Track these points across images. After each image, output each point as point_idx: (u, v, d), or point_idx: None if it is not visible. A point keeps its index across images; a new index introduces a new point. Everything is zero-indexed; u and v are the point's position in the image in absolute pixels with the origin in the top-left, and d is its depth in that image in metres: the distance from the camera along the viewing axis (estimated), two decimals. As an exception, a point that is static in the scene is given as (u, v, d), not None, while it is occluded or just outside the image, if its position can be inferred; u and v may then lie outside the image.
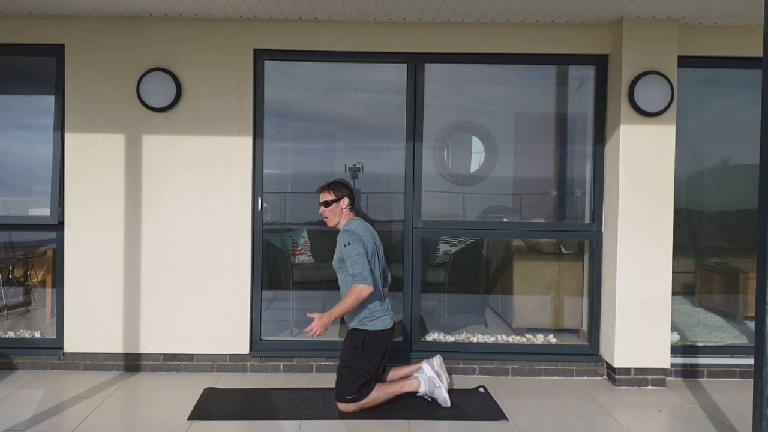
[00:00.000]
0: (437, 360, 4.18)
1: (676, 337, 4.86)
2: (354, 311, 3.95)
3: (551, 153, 5.32)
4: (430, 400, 4.08)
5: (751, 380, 2.96)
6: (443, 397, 4.02)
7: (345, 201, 4.09)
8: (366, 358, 3.92)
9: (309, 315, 3.89)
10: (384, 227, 5.33)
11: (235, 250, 4.66)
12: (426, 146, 4.80)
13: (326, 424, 3.76)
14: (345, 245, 3.91)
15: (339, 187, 4.10)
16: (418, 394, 4.07)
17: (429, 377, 4.06)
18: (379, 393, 3.93)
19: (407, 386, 4.05)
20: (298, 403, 4.03)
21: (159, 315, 4.65)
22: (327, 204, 4.09)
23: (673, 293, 4.58)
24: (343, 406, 3.88)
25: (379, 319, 3.97)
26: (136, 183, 4.63)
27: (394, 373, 4.18)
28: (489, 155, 5.32)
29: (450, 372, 4.62)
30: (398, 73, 4.78)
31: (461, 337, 4.97)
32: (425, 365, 4.12)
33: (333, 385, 4.37)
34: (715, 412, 4.03)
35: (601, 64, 4.74)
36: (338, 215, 4.10)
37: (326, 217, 4.12)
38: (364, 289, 3.81)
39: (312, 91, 5.24)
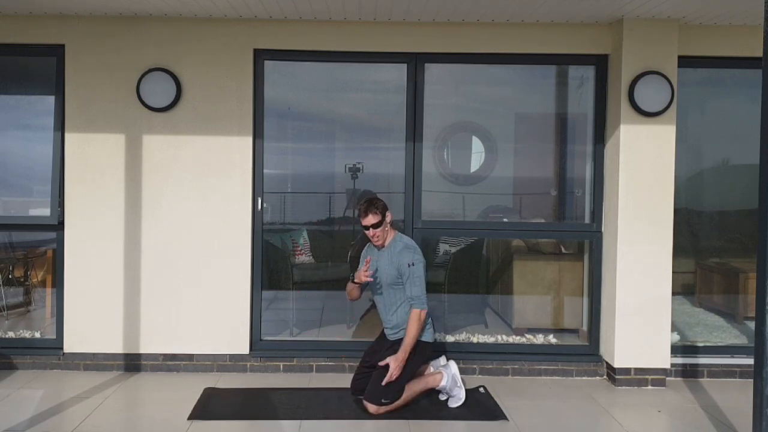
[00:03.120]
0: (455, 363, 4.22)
1: (676, 337, 4.86)
2: (394, 322, 4.03)
3: (551, 153, 5.32)
4: (444, 396, 4.09)
5: (751, 380, 2.95)
6: (460, 397, 4.04)
7: (389, 216, 4.03)
8: (413, 366, 3.97)
9: (381, 363, 3.86)
10: (384, 227, 5.33)
11: (235, 250, 4.66)
12: (426, 146, 4.79)
13: (326, 424, 3.76)
14: (410, 265, 3.88)
15: (379, 205, 4.00)
16: (438, 387, 4.06)
17: (453, 374, 4.08)
18: (407, 393, 3.95)
19: (432, 382, 4.06)
20: (298, 403, 4.03)
21: (159, 315, 4.65)
22: (377, 226, 3.96)
23: (673, 293, 4.58)
24: (374, 408, 3.85)
25: (428, 330, 4.06)
26: (136, 183, 4.63)
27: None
28: (489, 155, 5.32)
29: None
30: (398, 73, 4.78)
31: (461, 337, 4.96)
32: (451, 363, 4.17)
33: (333, 384, 4.39)
34: (715, 412, 4.03)
35: (601, 64, 4.74)
36: (388, 234, 4.06)
37: (377, 238, 4.01)
38: (423, 313, 3.87)
39: (312, 91, 5.24)
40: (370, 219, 3.95)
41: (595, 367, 4.74)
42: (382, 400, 3.84)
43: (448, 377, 4.06)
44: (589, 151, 4.86)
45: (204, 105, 4.62)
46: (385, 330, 4.15)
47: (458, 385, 4.08)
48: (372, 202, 3.99)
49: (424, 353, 4.06)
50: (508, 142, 5.39)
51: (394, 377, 3.81)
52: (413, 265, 3.88)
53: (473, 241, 5.41)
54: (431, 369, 4.22)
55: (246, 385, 4.40)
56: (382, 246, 4.05)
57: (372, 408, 3.85)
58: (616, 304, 4.51)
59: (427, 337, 4.06)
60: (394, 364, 3.80)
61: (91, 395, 4.15)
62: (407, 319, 3.94)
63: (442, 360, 4.29)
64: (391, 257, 3.98)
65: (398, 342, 3.97)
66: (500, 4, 4.17)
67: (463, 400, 4.04)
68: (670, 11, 4.26)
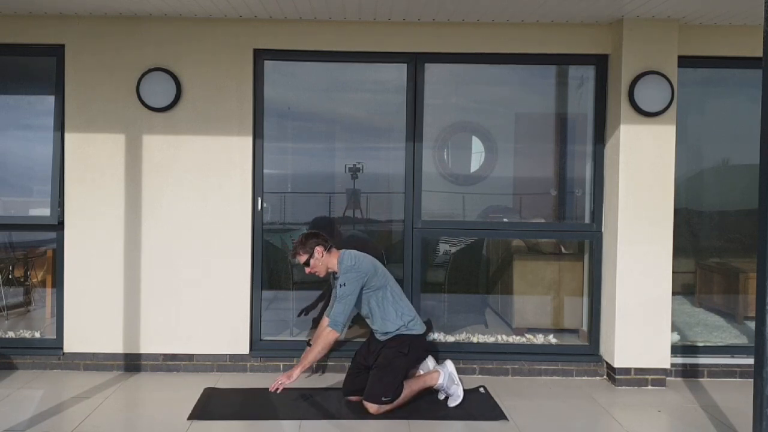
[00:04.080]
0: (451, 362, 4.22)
1: (676, 337, 4.86)
2: (381, 327, 4.03)
3: (551, 153, 5.32)
4: (443, 395, 4.09)
5: (751, 380, 2.95)
6: (458, 395, 4.04)
7: (318, 250, 4.01)
8: (408, 361, 4.00)
9: (272, 389, 3.80)
10: (384, 227, 5.33)
11: (235, 250, 4.66)
12: (426, 146, 4.79)
13: (326, 424, 3.76)
14: (341, 285, 3.90)
15: (304, 242, 4.02)
16: (434, 387, 4.07)
17: (449, 373, 4.09)
18: (406, 392, 3.96)
19: (429, 380, 4.07)
20: (298, 403, 4.03)
21: (159, 315, 4.65)
22: (307, 264, 4.02)
23: (673, 293, 4.58)
24: (374, 408, 3.84)
25: (415, 322, 4.07)
26: (136, 183, 4.63)
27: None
28: (489, 155, 5.32)
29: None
30: (398, 73, 4.78)
31: (461, 337, 4.96)
32: (447, 361, 4.17)
33: (333, 384, 4.39)
34: (715, 412, 4.03)
35: (601, 64, 4.74)
36: (323, 264, 4.04)
37: (314, 272, 4.05)
38: (332, 335, 3.83)
39: (312, 91, 5.23)
40: (299, 259, 4.05)
41: (595, 367, 4.74)
42: (383, 399, 3.84)
43: (444, 375, 4.07)
44: (589, 151, 4.86)
45: (204, 105, 4.62)
46: (374, 333, 4.16)
47: (455, 382, 4.08)
48: (299, 244, 4.04)
49: (417, 348, 4.07)
50: (508, 142, 5.38)
51: (279, 389, 3.75)
52: (344, 285, 3.90)
53: (473, 241, 5.41)
54: (447, 362, 4.17)
55: (246, 385, 4.40)
56: (326, 274, 4.09)
57: (373, 408, 3.84)
58: (616, 304, 4.51)
59: (417, 329, 4.07)
60: (284, 378, 3.75)
61: (91, 395, 4.15)
62: (392, 318, 3.99)
63: (430, 361, 4.26)
64: (341, 279, 3.99)
65: (389, 342, 4.00)
66: (500, 4, 4.17)
67: (461, 397, 4.04)
68: (670, 11, 4.26)
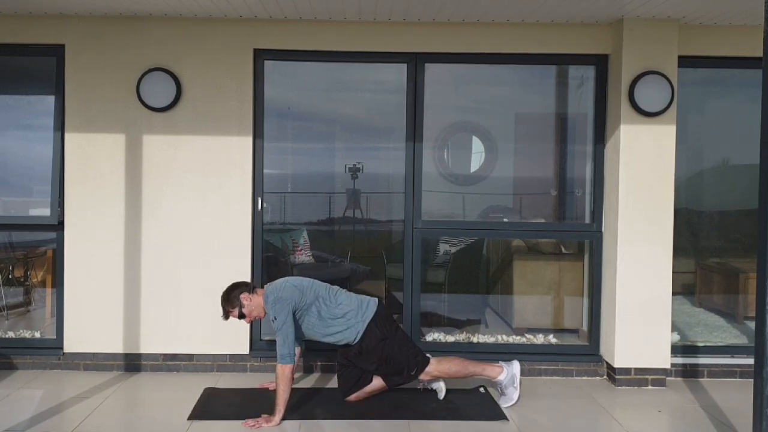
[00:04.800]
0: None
1: (676, 337, 4.86)
2: (343, 335, 3.93)
3: (551, 153, 5.32)
4: (499, 393, 4.09)
5: (751, 380, 2.95)
6: (512, 398, 4.03)
7: (243, 297, 3.90)
8: (395, 336, 3.98)
9: (247, 425, 3.69)
10: (384, 227, 5.34)
11: (235, 250, 4.66)
12: (426, 146, 4.79)
13: (326, 424, 3.76)
14: (272, 320, 3.82)
15: (228, 298, 3.93)
16: (495, 380, 4.07)
17: (513, 374, 4.07)
18: (459, 366, 4.02)
19: (489, 370, 4.07)
20: (298, 403, 4.03)
21: (159, 315, 4.65)
22: (241, 316, 3.95)
23: (673, 293, 4.58)
24: (411, 378, 3.97)
25: (365, 307, 3.96)
26: (136, 183, 4.63)
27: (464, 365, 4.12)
28: (489, 155, 5.32)
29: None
30: (398, 73, 4.78)
31: (461, 337, 4.97)
32: (515, 362, 4.14)
33: (333, 384, 4.39)
34: (715, 412, 4.03)
35: (601, 64, 4.74)
36: (256, 305, 3.93)
37: (257, 317, 3.99)
38: (285, 369, 3.71)
39: (312, 91, 5.24)
40: (233, 314, 3.95)
41: (595, 367, 4.74)
42: (411, 374, 3.94)
43: (508, 374, 4.06)
44: (589, 151, 4.86)
45: (204, 105, 4.62)
46: (342, 345, 4.04)
47: (514, 385, 4.05)
48: (224, 303, 3.95)
49: (387, 323, 3.98)
50: (508, 142, 5.39)
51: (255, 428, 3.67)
52: (275, 318, 3.80)
53: (473, 241, 5.41)
54: (515, 362, 4.14)
55: (246, 385, 4.40)
56: (263, 314, 3.95)
57: (410, 380, 3.99)
58: (616, 304, 4.51)
59: (371, 311, 3.95)
60: (263, 422, 3.67)
61: (91, 395, 4.15)
62: (343, 320, 3.91)
63: (516, 365, 4.16)
64: (270, 313, 3.90)
65: (362, 343, 3.92)
66: (500, 4, 4.17)
67: (514, 401, 4.02)
68: (670, 11, 4.26)
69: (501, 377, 4.06)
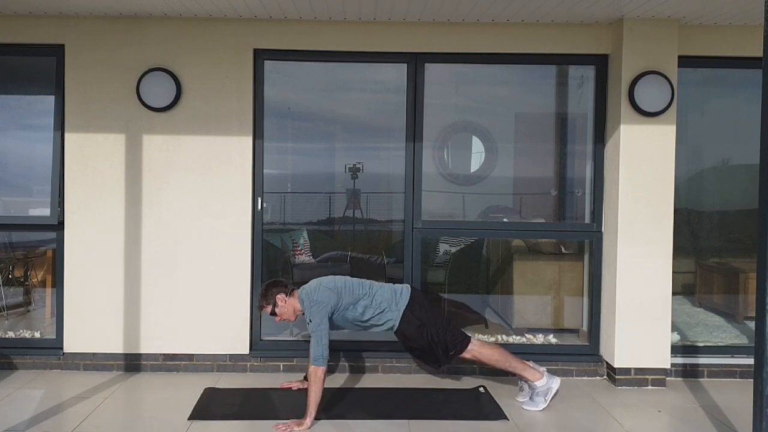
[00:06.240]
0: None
1: (676, 337, 4.87)
2: (386, 321, 4.04)
3: (551, 153, 5.32)
4: (527, 396, 4.08)
5: (751, 380, 2.95)
6: (537, 406, 4.00)
7: (279, 298, 3.99)
8: (432, 321, 4.03)
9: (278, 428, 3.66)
10: (384, 227, 5.33)
11: (235, 250, 4.66)
12: (426, 146, 4.79)
13: (326, 424, 3.76)
14: (308, 322, 3.85)
15: (266, 293, 4.02)
16: (533, 383, 4.04)
17: (550, 387, 4.03)
18: (501, 356, 4.06)
19: (529, 372, 4.05)
20: (298, 403, 4.02)
21: (159, 315, 4.65)
22: (273, 314, 4.02)
23: (673, 293, 4.58)
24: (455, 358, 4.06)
25: (400, 295, 4.06)
26: (136, 183, 4.63)
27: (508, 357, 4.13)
28: (489, 155, 5.32)
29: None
30: (398, 73, 4.78)
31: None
32: (557, 379, 4.08)
33: (333, 384, 4.39)
34: (715, 412, 4.03)
35: (601, 64, 4.74)
36: (289, 308, 4.00)
37: (283, 318, 4.03)
38: (318, 371, 3.70)
39: (312, 91, 5.24)
40: (266, 309, 4.05)
41: (595, 367, 4.74)
42: (450, 353, 4.02)
43: (545, 384, 4.02)
44: (589, 151, 4.86)
45: (204, 105, 4.62)
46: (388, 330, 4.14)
47: (546, 398, 4.02)
48: (261, 296, 4.07)
49: (420, 310, 4.05)
50: (508, 142, 5.39)
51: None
52: (310, 321, 3.83)
53: (473, 241, 5.41)
54: (556, 378, 4.09)
55: (246, 385, 4.40)
56: (293, 318, 4.05)
57: (450, 361, 4.11)
58: (616, 304, 4.51)
59: (404, 298, 4.06)
60: (294, 426, 3.63)
61: (91, 395, 4.15)
62: (376, 316, 4.00)
63: (557, 381, 4.10)
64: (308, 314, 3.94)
65: (401, 330, 4.04)
66: (500, 4, 4.17)
67: (537, 410, 3.99)
68: (670, 11, 4.26)
69: (539, 383, 4.03)
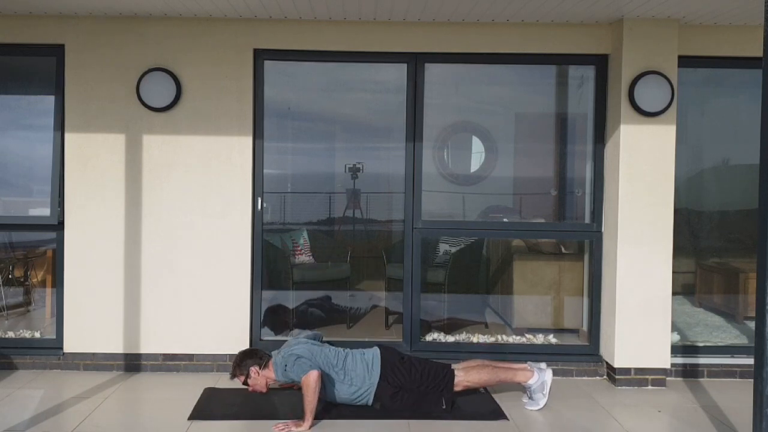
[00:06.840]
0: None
1: (676, 337, 4.86)
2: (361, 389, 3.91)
3: (551, 153, 5.32)
4: (527, 397, 4.07)
5: (751, 380, 2.95)
6: (539, 404, 3.99)
7: (253, 370, 3.98)
8: (409, 379, 3.91)
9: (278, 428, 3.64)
10: (384, 227, 5.34)
11: (235, 250, 4.66)
12: (426, 146, 4.79)
13: (326, 424, 3.76)
14: (293, 363, 3.80)
15: (240, 363, 4.02)
16: (525, 383, 4.03)
17: (544, 381, 4.03)
18: (489, 375, 3.99)
19: (520, 375, 4.03)
20: (297, 403, 4.02)
21: (159, 315, 4.65)
22: (246, 384, 4.03)
23: (673, 293, 4.58)
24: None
25: (369, 379, 3.91)
26: (136, 183, 4.63)
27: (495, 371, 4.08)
28: (489, 155, 5.33)
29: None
30: (398, 73, 4.78)
31: (461, 337, 4.96)
32: (549, 370, 4.08)
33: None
34: (715, 412, 4.03)
35: (601, 64, 4.74)
36: (262, 380, 3.99)
37: (255, 387, 4.01)
38: (311, 375, 3.67)
39: (312, 91, 5.24)
40: (240, 379, 4.04)
41: (595, 367, 4.74)
42: (443, 407, 3.90)
43: (538, 380, 4.01)
44: (589, 151, 4.86)
45: (204, 105, 4.62)
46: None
47: (543, 392, 4.01)
48: (235, 365, 4.05)
49: (397, 373, 3.91)
50: (508, 142, 5.39)
51: None
52: (294, 365, 3.79)
53: (473, 241, 5.41)
54: (549, 371, 4.08)
55: (246, 385, 4.40)
56: (265, 389, 4.02)
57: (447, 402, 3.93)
58: (617, 304, 4.51)
59: (371, 387, 3.91)
60: (292, 426, 3.62)
61: (91, 395, 4.15)
62: (348, 390, 3.89)
63: (543, 365, 4.13)
64: (285, 379, 3.92)
65: (379, 402, 3.92)
66: (500, 4, 4.17)
67: (539, 407, 3.98)
68: (670, 11, 4.26)
69: (531, 381, 4.02)
